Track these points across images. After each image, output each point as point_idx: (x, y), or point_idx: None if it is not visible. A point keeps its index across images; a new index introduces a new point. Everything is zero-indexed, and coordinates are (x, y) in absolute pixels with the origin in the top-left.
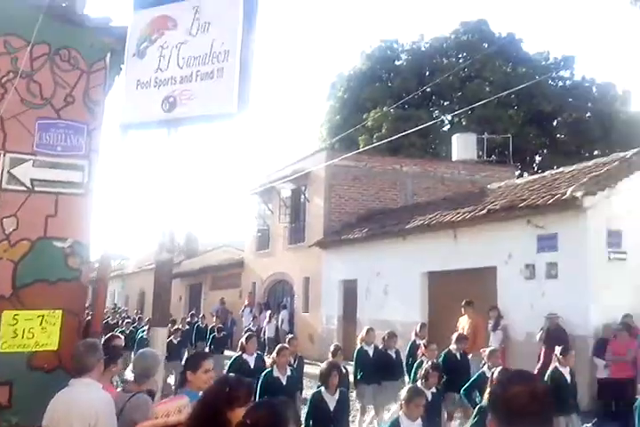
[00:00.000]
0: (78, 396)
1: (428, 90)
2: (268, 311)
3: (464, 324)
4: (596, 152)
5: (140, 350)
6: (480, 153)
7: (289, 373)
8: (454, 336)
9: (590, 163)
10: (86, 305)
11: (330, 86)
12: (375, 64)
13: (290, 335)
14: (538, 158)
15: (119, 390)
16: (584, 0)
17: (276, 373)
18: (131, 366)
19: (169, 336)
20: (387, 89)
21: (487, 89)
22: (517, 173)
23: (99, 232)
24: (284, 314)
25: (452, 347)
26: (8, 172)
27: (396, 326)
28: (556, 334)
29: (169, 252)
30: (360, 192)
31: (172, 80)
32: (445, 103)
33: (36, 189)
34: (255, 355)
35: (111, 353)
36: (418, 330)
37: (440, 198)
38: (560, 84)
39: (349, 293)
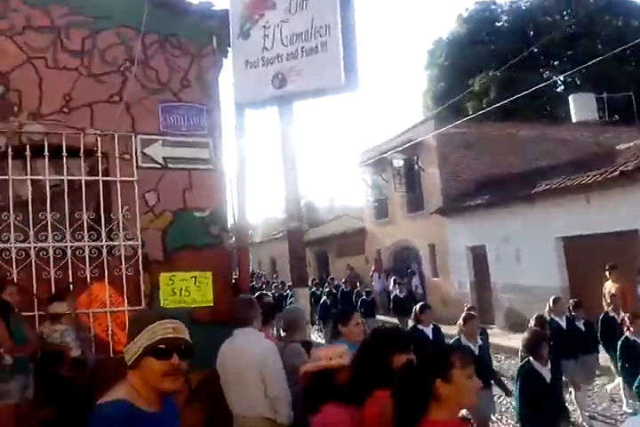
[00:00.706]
0: (246, 343)
1: (535, 50)
2: (394, 277)
3: (610, 288)
4: None
5: (286, 307)
6: (601, 113)
7: (480, 342)
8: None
9: None
10: (232, 269)
11: (428, 53)
12: (474, 27)
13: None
14: None
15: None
16: None
17: (464, 341)
18: (281, 322)
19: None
20: (490, 52)
21: (599, 46)
22: None
23: (232, 202)
24: (415, 280)
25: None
26: (141, 152)
27: (533, 291)
28: None
29: (298, 220)
30: (475, 159)
31: (278, 58)
32: (555, 63)
33: (170, 165)
34: (432, 326)
35: (265, 309)
36: (552, 305)
37: (564, 162)
38: None
39: (479, 258)
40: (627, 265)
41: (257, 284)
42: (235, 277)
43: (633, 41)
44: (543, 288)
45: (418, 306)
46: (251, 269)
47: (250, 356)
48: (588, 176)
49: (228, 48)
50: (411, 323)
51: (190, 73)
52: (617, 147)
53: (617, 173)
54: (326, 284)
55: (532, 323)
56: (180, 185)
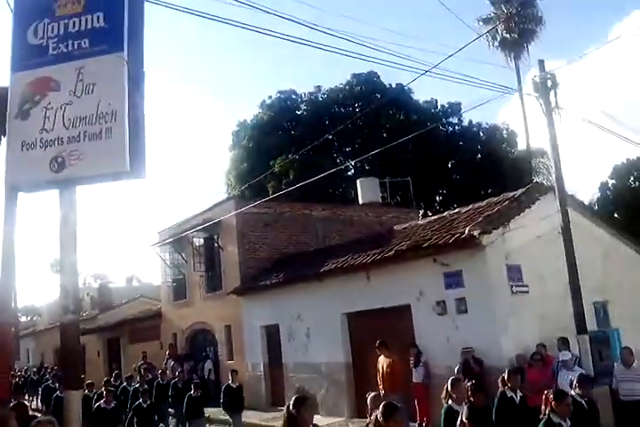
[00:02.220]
0: None
1: (330, 137)
2: (172, 364)
3: (382, 364)
4: (490, 190)
5: (36, 419)
6: (385, 195)
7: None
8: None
9: (484, 203)
10: None
11: (233, 135)
12: (277, 113)
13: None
14: (438, 198)
15: None
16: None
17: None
18: None
19: (98, 400)
20: (290, 137)
21: (385, 135)
22: (421, 212)
23: None
24: (208, 364)
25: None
26: None
27: (320, 368)
28: (471, 367)
29: (74, 312)
30: (273, 237)
31: (58, 140)
32: (347, 149)
33: None
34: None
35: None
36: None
37: (351, 240)
38: (450, 129)
39: (272, 338)
40: (402, 338)
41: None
42: None
43: (412, 133)
44: (329, 364)
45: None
46: (27, 361)
47: None
48: (368, 255)
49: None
50: None
51: None
52: (395, 227)
53: (392, 252)
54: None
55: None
56: None
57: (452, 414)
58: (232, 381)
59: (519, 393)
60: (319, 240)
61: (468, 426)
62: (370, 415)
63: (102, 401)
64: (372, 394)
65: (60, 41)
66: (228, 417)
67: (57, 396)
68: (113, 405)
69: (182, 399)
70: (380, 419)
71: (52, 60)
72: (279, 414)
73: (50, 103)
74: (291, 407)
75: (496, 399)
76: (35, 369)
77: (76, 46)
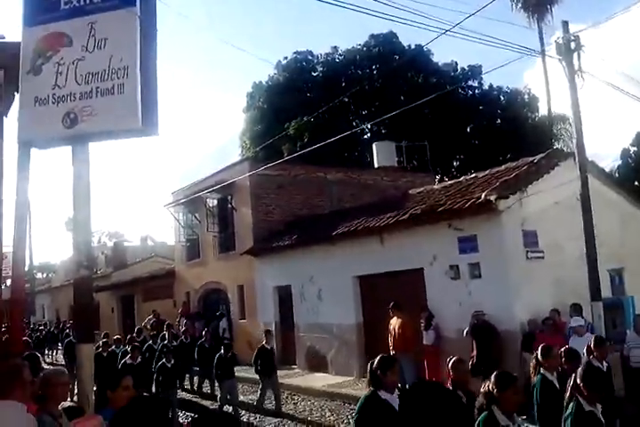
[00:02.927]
0: (2, 418)
1: (346, 100)
2: (202, 321)
3: (394, 325)
4: (508, 156)
5: (47, 370)
6: (401, 159)
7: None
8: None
9: (502, 167)
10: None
11: (247, 96)
12: (292, 75)
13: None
14: (456, 163)
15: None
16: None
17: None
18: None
19: (123, 357)
20: (305, 99)
21: (402, 98)
22: (438, 177)
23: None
24: (223, 323)
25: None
26: None
27: (331, 329)
28: (483, 329)
29: (87, 268)
30: (286, 200)
31: (71, 96)
32: (364, 112)
33: None
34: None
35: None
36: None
37: (365, 204)
38: (470, 92)
39: (284, 298)
40: (414, 301)
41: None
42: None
43: (431, 96)
44: (340, 326)
45: None
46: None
47: None
48: (382, 218)
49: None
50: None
51: None
52: (410, 191)
53: (406, 215)
54: (162, 336)
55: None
56: None
57: (548, 384)
58: (266, 342)
59: (605, 363)
60: (333, 203)
61: (584, 388)
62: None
63: (128, 357)
64: (454, 358)
65: None
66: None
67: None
68: (139, 360)
69: (210, 360)
70: (494, 390)
71: (64, 14)
72: (292, 372)
73: (62, 59)
74: (375, 369)
75: (581, 370)
76: (55, 323)
77: (87, 1)
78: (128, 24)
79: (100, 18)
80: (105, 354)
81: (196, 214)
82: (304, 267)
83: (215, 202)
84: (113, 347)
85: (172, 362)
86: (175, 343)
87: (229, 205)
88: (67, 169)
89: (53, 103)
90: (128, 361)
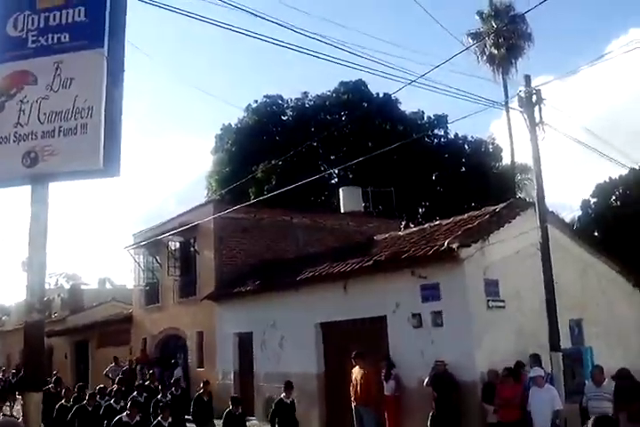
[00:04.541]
0: None
1: (315, 144)
2: (159, 369)
3: (357, 375)
4: (473, 204)
5: None
6: (367, 205)
7: None
8: None
9: (465, 216)
10: None
11: (216, 138)
12: (262, 118)
13: None
14: (421, 210)
15: None
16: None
17: None
18: None
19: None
20: (274, 143)
21: (370, 145)
22: (403, 223)
23: None
24: (178, 371)
25: None
26: None
27: (292, 378)
28: (443, 380)
29: (40, 312)
30: (251, 244)
31: (32, 135)
32: (332, 157)
33: None
34: None
35: None
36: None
37: (329, 249)
38: (436, 141)
39: (245, 346)
40: (376, 350)
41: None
42: None
43: (398, 143)
44: (301, 375)
45: None
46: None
47: None
48: (346, 264)
49: None
50: None
51: None
52: (375, 237)
53: (370, 262)
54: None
55: None
56: None
57: None
58: (203, 392)
59: None
60: (299, 248)
61: None
62: None
63: (125, 414)
64: None
65: (39, 34)
66: None
67: (61, 405)
68: (138, 419)
69: (207, 415)
70: None
71: (31, 53)
72: (249, 424)
73: (26, 97)
74: None
75: None
76: (13, 371)
77: (55, 40)
78: (95, 64)
79: (67, 57)
80: (90, 408)
81: (157, 257)
82: (266, 313)
83: (178, 245)
84: (97, 398)
85: (170, 421)
86: (145, 395)
87: (192, 249)
88: (24, 209)
89: (14, 141)
90: (124, 419)
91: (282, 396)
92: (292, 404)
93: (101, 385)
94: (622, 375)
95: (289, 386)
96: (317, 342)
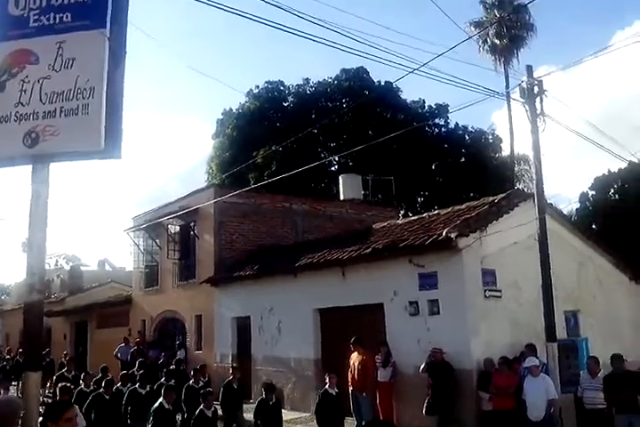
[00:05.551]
0: None
1: (315, 131)
2: (158, 350)
3: (355, 361)
4: (472, 194)
5: None
6: (366, 193)
7: None
8: None
9: (463, 206)
10: None
11: (217, 123)
12: (263, 104)
13: None
14: (420, 199)
15: None
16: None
17: None
18: None
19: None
20: (275, 128)
21: (370, 133)
22: (402, 212)
23: None
24: (181, 353)
25: None
26: None
27: (288, 363)
28: (439, 367)
29: (39, 292)
30: (251, 229)
31: (34, 115)
32: (332, 144)
33: None
34: None
35: None
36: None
37: (328, 236)
38: (436, 130)
39: (243, 330)
40: (373, 337)
41: None
42: None
43: (398, 132)
44: (298, 360)
45: None
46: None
47: None
48: (344, 251)
49: None
50: None
51: None
52: (373, 225)
53: (369, 250)
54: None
55: None
56: None
57: None
58: (232, 379)
59: None
60: (298, 234)
61: None
62: None
63: (162, 399)
64: None
65: (41, 13)
66: None
67: (80, 390)
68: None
69: (237, 403)
70: None
71: (33, 32)
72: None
73: (27, 76)
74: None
75: None
76: (20, 350)
77: (57, 20)
78: (97, 45)
79: (69, 37)
80: (107, 396)
81: (157, 240)
82: (265, 298)
83: (177, 228)
84: (119, 385)
85: (213, 409)
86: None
87: (192, 232)
88: (25, 189)
89: (15, 121)
90: (166, 406)
91: (262, 397)
92: (274, 405)
93: (124, 372)
94: (615, 356)
95: (270, 389)
96: (315, 327)
